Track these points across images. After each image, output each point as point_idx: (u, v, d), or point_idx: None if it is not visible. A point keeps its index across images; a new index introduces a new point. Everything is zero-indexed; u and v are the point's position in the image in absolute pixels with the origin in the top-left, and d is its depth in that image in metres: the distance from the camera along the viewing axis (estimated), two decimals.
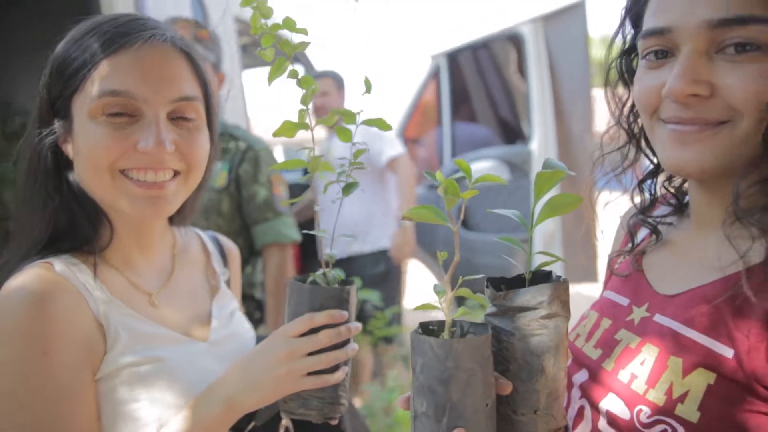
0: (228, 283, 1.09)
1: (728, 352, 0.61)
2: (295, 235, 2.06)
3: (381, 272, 3.10)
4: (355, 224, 2.97)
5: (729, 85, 0.63)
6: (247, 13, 0.78)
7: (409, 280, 3.71)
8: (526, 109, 3.86)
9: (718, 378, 0.61)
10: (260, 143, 2.06)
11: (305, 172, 0.85)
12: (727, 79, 0.63)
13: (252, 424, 0.92)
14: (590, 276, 3.43)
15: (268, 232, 2.00)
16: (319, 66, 3.55)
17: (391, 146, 3.07)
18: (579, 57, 3.67)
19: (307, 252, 3.06)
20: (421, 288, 4.67)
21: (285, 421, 0.95)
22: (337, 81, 3.26)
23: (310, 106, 0.83)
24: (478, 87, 4.59)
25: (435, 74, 4.49)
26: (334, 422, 0.88)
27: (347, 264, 3.01)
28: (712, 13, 0.63)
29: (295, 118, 0.83)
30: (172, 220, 0.99)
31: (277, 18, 0.80)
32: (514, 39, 4.00)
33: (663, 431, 0.62)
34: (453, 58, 4.43)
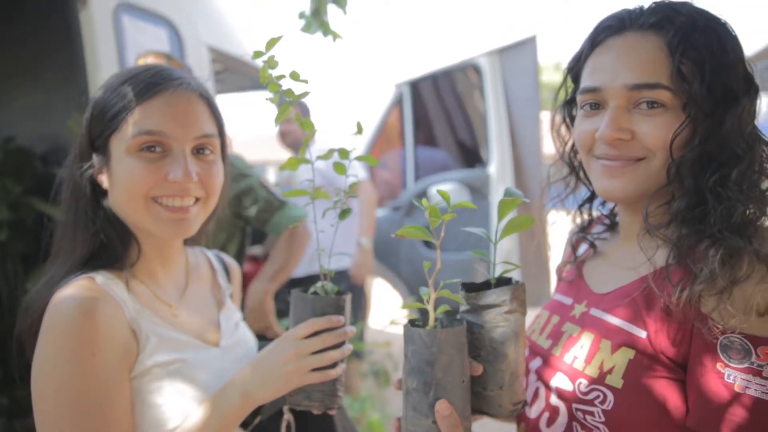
0: (231, 296, 1.23)
1: (642, 334, 0.80)
2: (302, 212, 2.17)
3: (341, 291, 3.24)
4: (314, 245, 3.09)
5: (644, 131, 0.84)
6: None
7: (374, 298, 3.85)
8: (484, 135, 4.12)
9: (636, 354, 0.80)
10: (249, 168, 2.20)
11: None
12: (643, 127, 0.84)
13: (258, 418, 1.06)
14: (544, 301, 3.67)
15: (281, 221, 2.13)
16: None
17: (354, 172, 3.25)
18: (530, 85, 3.98)
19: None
20: (386, 304, 4.82)
21: (287, 416, 1.10)
22: (302, 108, 3.48)
23: (279, 129, 0.99)
24: (439, 114, 4.83)
25: (398, 101, 4.71)
26: (333, 412, 1.03)
27: (308, 282, 3.12)
28: (630, 79, 0.84)
29: (265, 141, 1.00)
30: (185, 240, 1.13)
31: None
32: (472, 69, 4.28)
33: (596, 396, 0.81)
34: (415, 86, 4.67)
